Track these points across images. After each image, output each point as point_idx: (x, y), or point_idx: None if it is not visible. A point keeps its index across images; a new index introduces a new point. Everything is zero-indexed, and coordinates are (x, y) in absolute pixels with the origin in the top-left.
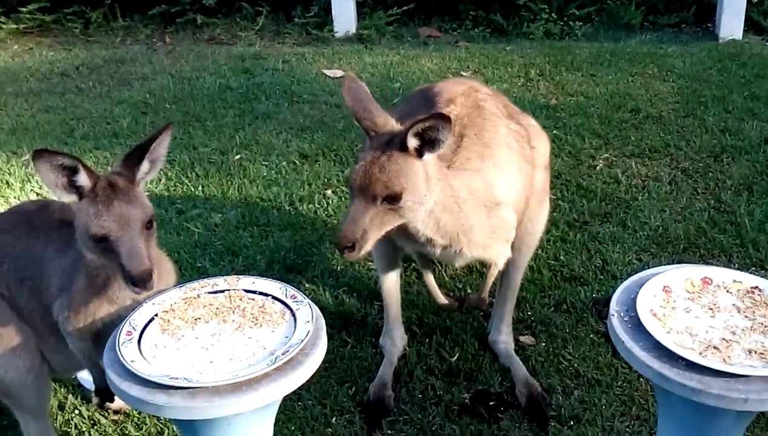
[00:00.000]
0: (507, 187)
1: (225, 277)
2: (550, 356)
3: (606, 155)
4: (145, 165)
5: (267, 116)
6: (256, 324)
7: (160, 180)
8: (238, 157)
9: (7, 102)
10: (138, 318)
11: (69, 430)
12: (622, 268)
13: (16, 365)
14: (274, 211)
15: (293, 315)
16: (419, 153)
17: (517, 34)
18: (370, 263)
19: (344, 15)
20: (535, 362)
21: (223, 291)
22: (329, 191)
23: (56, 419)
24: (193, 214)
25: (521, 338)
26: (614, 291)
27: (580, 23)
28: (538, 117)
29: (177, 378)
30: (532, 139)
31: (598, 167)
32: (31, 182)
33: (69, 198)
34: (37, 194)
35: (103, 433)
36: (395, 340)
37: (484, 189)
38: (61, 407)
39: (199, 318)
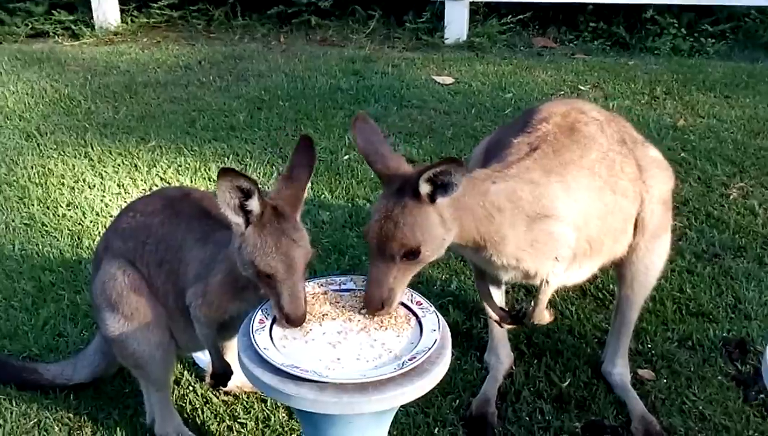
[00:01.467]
0: (571, 206)
1: (352, 276)
2: (672, 394)
3: (741, 184)
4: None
5: (376, 119)
6: (381, 327)
7: (272, 174)
8: (346, 157)
9: (137, 91)
10: (269, 308)
11: (184, 405)
12: (758, 308)
13: (148, 338)
14: None
15: (419, 322)
16: (431, 198)
17: (641, 49)
18: None
19: (456, 21)
20: (655, 398)
21: (349, 291)
22: None
23: (172, 393)
24: (302, 211)
25: (640, 372)
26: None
27: (713, 40)
28: (664, 138)
29: (307, 371)
30: (645, 173)
31: (731, 196)
32: (156, 167)
33: (236, 220)
34: (161, 179)
35: (215, 412)
36: (501, 357)
37: (532, 199)
38: (177, 382)
39: (326, 314)
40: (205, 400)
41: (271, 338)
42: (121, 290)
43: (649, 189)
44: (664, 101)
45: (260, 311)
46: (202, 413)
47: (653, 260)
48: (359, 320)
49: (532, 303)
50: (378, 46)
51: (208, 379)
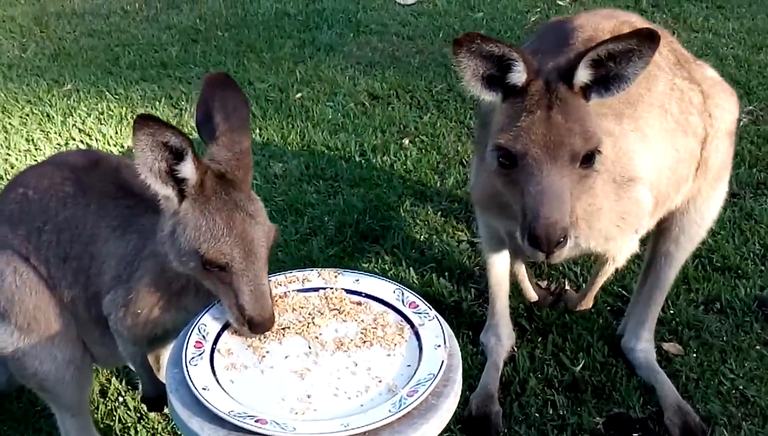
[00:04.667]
0: (647, 160)
1: (319, 270)
2: (706, 372)
3: (750, 108)
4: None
5: (330, 48)
6: (364, 343)
7: None
8: (299, 95)
9: (49, 23)
10: (209, 323)
11: (112, 424)
12: None
13: (53, 356)
14: (342, 163)
15: (415, 333)
16: (585, 95)
17: None
18: (460, 233)
19: None
20: (686, 379)
21: (317, 290)
22: (406, 141)
23: (97, 408)
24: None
25: (664, 346)
26: None
27: None
28: None
29: (266, 422)
30: (709, 100)
31: (741, 123)
32: (73, 116)
33: (165, 191)
34: (80, 130)
35: (152, 431)
36: (501, 337)
37: (615, 158)
38: (104, 393)
39: (288, 328)
40: (139, 415)
41: (213, 369)
42: (12, 294)
43: (715, 121)
44: (652, 15)
45: (196, 329)
46: (136, 433)
47: (710, 207)
48: (335, 332)
49: (566, 286)
50: None
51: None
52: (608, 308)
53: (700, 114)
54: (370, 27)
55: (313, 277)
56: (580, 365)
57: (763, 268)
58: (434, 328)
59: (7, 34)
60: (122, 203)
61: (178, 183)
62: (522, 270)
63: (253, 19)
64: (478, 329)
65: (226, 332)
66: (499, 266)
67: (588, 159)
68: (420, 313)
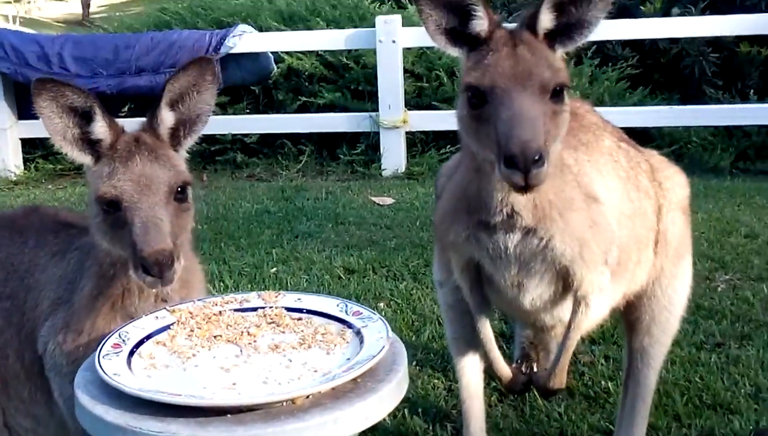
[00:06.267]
0: (607, 196)
1: (260, 292)
2: None
3: (726, 277)
4: (167, 116)
5: (308, 235)
6: (302, 345)
7: None
8: (273, 270)
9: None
10: (132, 331)
11: None
12: None
13: None
14: None
15: (358, 334)
16: (550, 41)
17: None
18: (436, 381)
19: (393, 151)
20: None
21: (255, 309)
22: (382, 304)
23: None
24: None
25: None
26: None
27: None
28: None
29: (180, 395)
30: (657, 173)
31: (719, 289)
32: None
33: (81, 157)
34: None
35: None
36: None
37: (577, 178)
38: None
39: (220, 336)
40: None
41: (129, 365)
42: None
43: (667, 193)
44: None
45: (117, 334)
46: None
47: (677, 289)
48: (272, 340)
49: (534, 368)
50: (311, 180)
51: None
52: None
53: (650, 181)
54: (348, 220)
55: (253, 298)
56: None
57: (756, 406)
58: (378, 327)
59: None
60: (62, 235)
61: (94, 146)
62: (487, 333)
63: (233, 216)
64: None
65: (150, 342)
66: (471, 372)
67: (558, 93)
68: (363, 318)
